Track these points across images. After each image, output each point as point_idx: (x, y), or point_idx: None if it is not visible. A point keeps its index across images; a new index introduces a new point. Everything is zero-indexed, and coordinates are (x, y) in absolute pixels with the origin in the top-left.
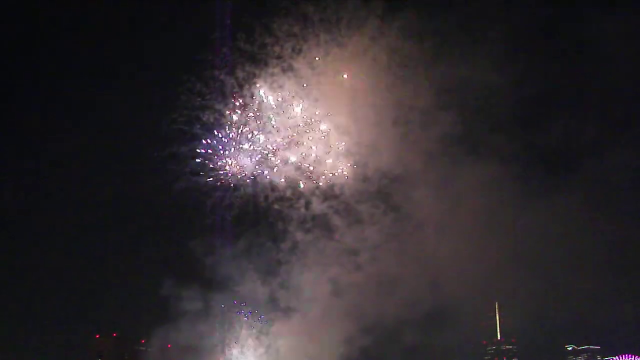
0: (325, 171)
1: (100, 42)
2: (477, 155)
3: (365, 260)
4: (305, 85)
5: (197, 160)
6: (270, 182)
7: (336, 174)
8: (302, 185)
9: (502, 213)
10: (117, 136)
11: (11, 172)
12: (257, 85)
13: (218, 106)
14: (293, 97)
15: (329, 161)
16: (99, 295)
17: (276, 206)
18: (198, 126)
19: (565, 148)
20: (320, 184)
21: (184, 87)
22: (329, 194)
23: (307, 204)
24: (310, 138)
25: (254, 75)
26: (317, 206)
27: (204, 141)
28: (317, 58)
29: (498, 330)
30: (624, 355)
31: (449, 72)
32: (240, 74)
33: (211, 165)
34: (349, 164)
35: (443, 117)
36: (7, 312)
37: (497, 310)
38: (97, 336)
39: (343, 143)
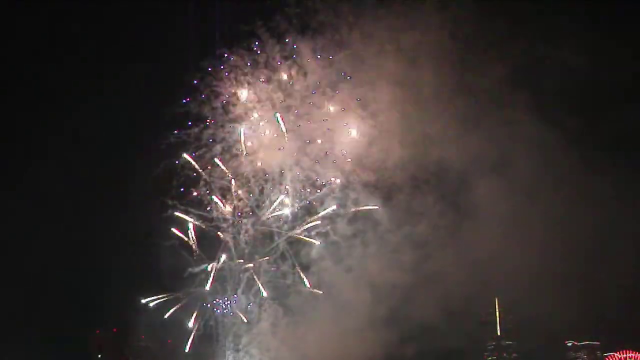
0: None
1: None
2: (549, 143)
3: (413, 259)
4: (358, 63)
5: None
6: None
7: (390, 165)
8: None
9: (572, 208)
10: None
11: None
12: (307, 60)
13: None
14: (344, 77)
15: (382, 150)
16: (99, 290)
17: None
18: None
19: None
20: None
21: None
22: (382, 188)
23: (355, 200)
24: (361, 124)
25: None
26: (365, 201)
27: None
28: (372, 32)
29: (498, 326)
30: (623, 351)
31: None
32: (286, 46)
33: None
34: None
35: (513, 102)
36: (6, 308)
37: (497, 306)
38: (97, 331)
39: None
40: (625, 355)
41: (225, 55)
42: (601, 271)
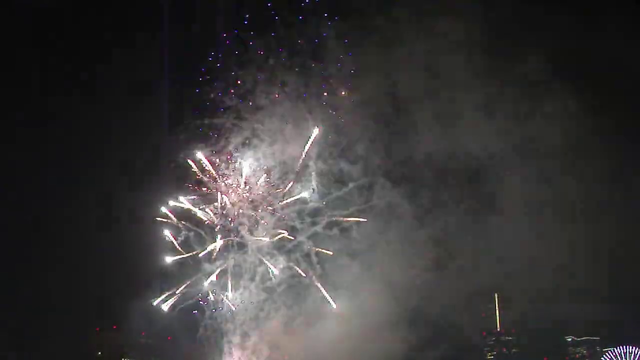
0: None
1: None
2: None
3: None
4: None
5: None
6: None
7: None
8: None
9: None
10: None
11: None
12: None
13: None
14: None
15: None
16: (99, 288)
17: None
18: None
19: None
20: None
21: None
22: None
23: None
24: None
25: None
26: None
27: None
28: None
29: (497, 322)
30: (623, 346)
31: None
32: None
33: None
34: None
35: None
36: (4, 306)
37: (496, 301)
38: (97, 329)
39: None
40: (624, 351)
41: (247, 40)
42: (603, 266)
